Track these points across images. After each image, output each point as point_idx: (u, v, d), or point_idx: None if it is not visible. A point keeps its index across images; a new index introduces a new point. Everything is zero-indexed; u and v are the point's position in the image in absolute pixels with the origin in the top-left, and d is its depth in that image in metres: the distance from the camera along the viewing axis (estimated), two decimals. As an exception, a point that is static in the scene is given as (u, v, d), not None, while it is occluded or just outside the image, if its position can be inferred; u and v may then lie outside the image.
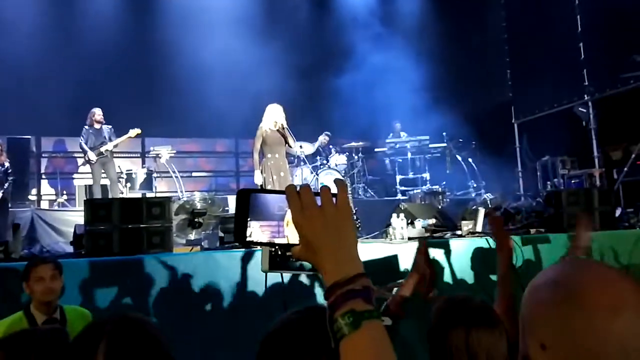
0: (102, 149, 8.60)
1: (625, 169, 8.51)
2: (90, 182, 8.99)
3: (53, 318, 3.12)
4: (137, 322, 1.28)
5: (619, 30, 9.14)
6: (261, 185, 7.00)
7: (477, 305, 1.82)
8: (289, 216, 0.96)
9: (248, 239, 1.02)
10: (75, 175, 11.09)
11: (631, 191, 8.27)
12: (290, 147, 7.34)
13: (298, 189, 0.95)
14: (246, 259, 4.41)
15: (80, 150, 8.88)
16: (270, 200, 1.03)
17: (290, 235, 1.01)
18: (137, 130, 8.80)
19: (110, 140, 8.70)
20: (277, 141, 7.11)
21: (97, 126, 8.72)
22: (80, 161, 9.23)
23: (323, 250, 0.92)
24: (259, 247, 3.76)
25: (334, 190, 0.96)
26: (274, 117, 7.07)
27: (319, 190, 0.95)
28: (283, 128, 7.07)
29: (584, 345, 0.90)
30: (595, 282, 0.94)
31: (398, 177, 10.44)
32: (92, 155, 8.56)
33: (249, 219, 1.01)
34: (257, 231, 1.01)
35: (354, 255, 0.94)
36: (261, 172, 7.13)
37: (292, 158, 9.27)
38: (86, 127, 8.74)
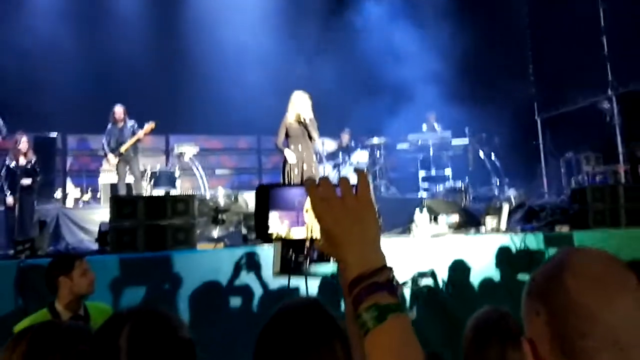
0: (122, 149, 8.52)
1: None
2: (115, 179, 8.99)
3: (78, 315, 3.08)
4: (158, 312, 1.27)
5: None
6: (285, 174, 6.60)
7: (514, 324, 1.81)
8: (308, 204, 0.93)
9: (270, 233, 1.01)
10: (99, 172, 11.16)
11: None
12: (314, 141, 6.74)
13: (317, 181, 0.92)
14: (270, 256, 4.41)
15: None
16: (290, 194, 1.01)
17: (310, 222, 0.98)
18: (152, 125, 8.63)
19: (134, 135, 8.59)
20: (299, 133, 6.54)
21: (119, 124, 8.63)
22: (104, 159, 9.27)
23: (345, 242, 0.89)
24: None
25: (354, 181, 0.93)
26: (295, 107, 6.53)
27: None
28: (305, 120, 6.49)
29: (570, 303, 0.88)
30: (582, 256, 0.94)
31: (420, 174, 10.38)
32: (112, 159, 8.56)
33: (269, 213, 1.00)
34: (275, 222, 0.99)
35: (377, 247, 0.91)
36: (284, 164, 6.63)
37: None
38: (109, 125, 8.70)
